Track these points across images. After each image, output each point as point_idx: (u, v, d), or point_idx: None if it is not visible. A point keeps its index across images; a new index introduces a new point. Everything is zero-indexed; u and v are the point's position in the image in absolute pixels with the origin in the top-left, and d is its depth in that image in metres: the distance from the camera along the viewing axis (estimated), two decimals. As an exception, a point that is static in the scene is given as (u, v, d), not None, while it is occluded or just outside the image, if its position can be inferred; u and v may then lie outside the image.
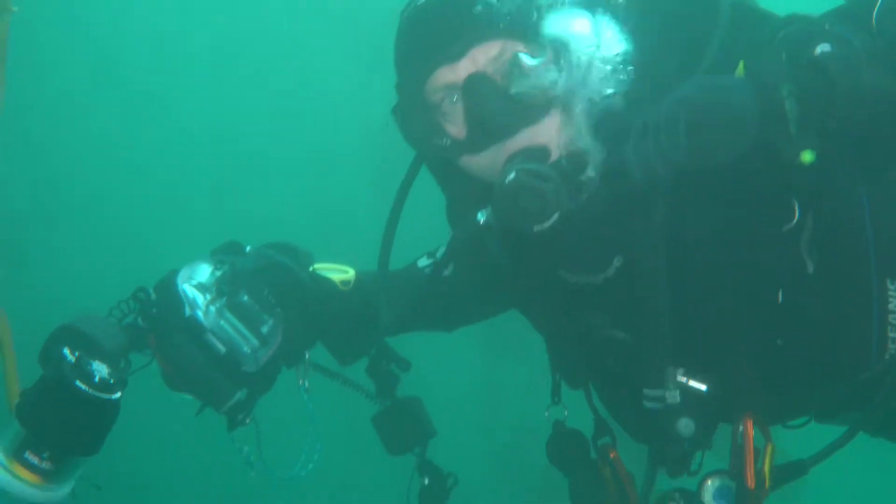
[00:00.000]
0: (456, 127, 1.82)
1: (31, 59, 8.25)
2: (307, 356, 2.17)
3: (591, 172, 1.80)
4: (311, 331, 2.20)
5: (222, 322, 1.94)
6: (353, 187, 8.82)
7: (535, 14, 1.76)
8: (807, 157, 1.61)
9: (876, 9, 1.69)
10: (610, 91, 1.77)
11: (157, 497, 8.59)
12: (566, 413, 2.31)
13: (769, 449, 1.89)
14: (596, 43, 1.76)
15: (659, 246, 1.81)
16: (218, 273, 1.97)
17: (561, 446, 2.31)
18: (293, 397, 2.14)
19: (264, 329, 2.00)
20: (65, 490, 1.87)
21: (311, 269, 2.23)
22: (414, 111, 1.84)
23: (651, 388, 1.91)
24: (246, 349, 1.97)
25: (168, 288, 1.94)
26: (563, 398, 2.30)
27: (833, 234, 1.84)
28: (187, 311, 1.91)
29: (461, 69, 1.76)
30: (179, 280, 1.94)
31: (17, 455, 1.81)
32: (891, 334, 1.85)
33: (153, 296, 1.95)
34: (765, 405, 1.90)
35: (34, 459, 1.81)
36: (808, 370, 1.90)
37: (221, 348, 1.94)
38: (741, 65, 1.69)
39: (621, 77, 1.77)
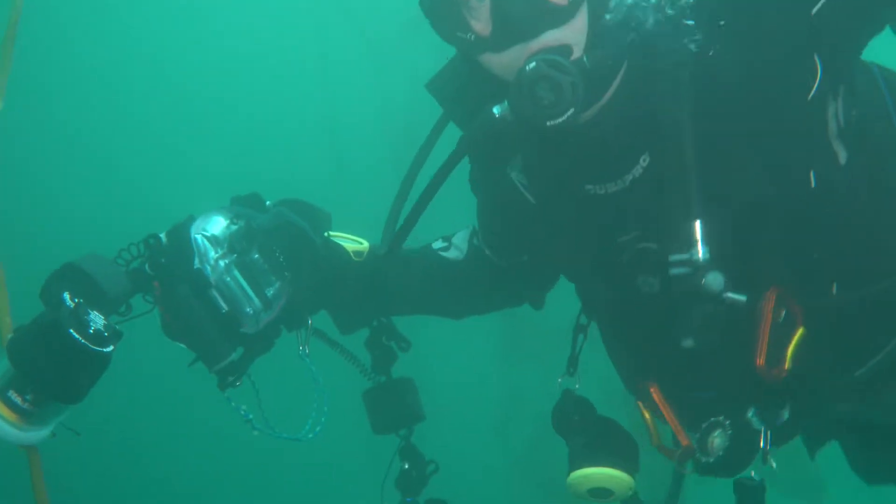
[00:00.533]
0: (481, 23, 1.78)
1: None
2: (310, 322, 2.13)
3: (614, 82, 1.81)
4: (317, 297, 2.16)
5: (228, 279, 1.91)
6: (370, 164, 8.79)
7: None
8: None
9: None
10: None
11: (144, 452, 8.59)
12: (577, 385, 2.28)
13: (799, 332, 1.87)
14: None
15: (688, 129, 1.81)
16: (233, 228, 1.94)
17: (567, 411, 2.27)
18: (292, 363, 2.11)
19: (269, 291, 1.97)
20: (42, 433, 1.86)
21: (326, 234, 2.19)
22: (441, 3, 1.81)
23: (678, 253, 1.86)
24: (248, 309, 1.94)
25: (181, 235, 1.91)
26: (579, 371, 2.27)
27: (861, 122, 1.87)
28: (196, 263, 1.88)
29: None
30: (193, 229, 1.91)
31: (1, 392, 1.80)
32: None
33: (164, 242, 1.92)
34: (793, 285, 1.87)
35: (16, 398, 1.79)
36: (841, 268, 1.92)
37: (224, 306, 1.91)
38: None
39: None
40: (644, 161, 1.89)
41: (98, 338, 1.79)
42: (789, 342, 1.86)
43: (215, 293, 1.91)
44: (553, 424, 2.30)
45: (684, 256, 1.85)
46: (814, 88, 1.81)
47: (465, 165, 2.09)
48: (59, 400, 1.83)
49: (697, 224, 1.83)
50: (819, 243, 1.89)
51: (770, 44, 1.79)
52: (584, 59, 1.73)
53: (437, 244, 2.35)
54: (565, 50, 1.73)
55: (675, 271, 1.86)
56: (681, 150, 1.82)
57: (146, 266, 1.91)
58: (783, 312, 1.86)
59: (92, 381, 1.84)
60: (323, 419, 2.12)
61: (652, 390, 2.11)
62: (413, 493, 2.36)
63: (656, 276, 1.95)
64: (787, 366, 1.85)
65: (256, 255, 1.96)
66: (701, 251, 1.82)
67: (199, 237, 1.89)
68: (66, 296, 1.80)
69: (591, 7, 1.76)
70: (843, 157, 1.88)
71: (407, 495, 2.36)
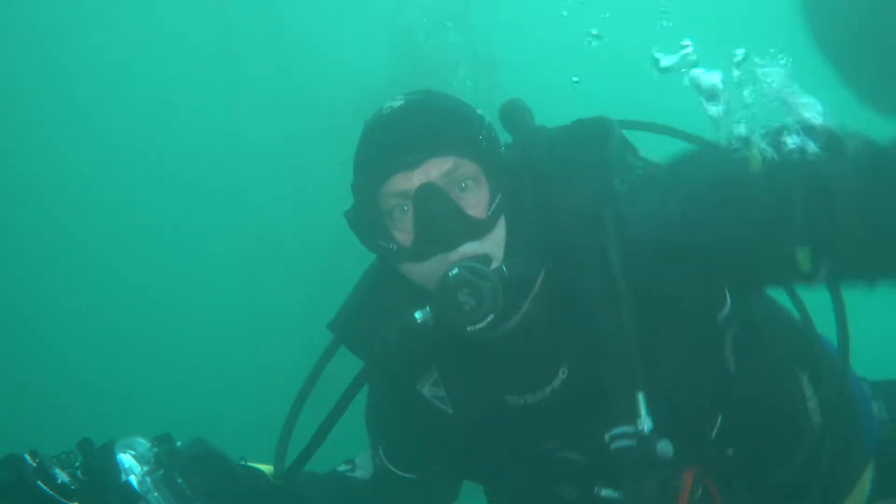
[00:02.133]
0: (403, 234, 1.90)
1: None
2: None
3: (534, 287, 1.93)
4: None
5: (156, 494, 1.84)
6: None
7: (486, 141, 1.91)
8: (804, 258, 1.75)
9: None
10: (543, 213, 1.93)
11: None
12: None
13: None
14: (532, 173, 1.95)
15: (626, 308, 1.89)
16: (156, 449, 1.90)
17: None
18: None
19: None
20: None
21: (243, 461, 2.13)
22: (367, 214, 1.93)
23: (621, 427, 1.89)
24: None
25: (106, 453, 1.84)
26: None
27: (753, 336, 2.01)
28: (123, 476, 1.82)
29: (415, 178, 1.87)
30: (118, 448, 1.85)
31: None
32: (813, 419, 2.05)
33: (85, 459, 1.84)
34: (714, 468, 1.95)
35: None
36: (747, 454, 2.01)
37: (68, 501, 1.81)
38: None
39: (554, 189, 1.95)
40: (563, 373, 1.98)
41: (65, 490, 1.72)
42: None
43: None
44: None
45: (629, 429, 1.90)
46: (724, 312, 1.95)
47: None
48: None
49: (640, 396, 1.89)
50: (728, 438, 1.99)
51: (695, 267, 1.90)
52: (503, 268, 1.85)
53: (342, 468, 2.36)
54: (485, 259, 1.86)
55: (617, 444, 1.91)
56: (619, 325, 1.90)
57: (78, 473, 1.81)
58: (699, 491, 1.93)
59: None
60: None
61: None
62: None
63: (576, 485, 2.01)
64: None
65: (180, 480, 1.89)
66: (647, 422, 1.88)
67: (122, 456, 1.84)
68: (27, 455, 1.73)
69: (509, 220, 1.90)
70: (733, 366, 2.02)
71: None
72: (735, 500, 2.00)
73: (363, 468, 2.34)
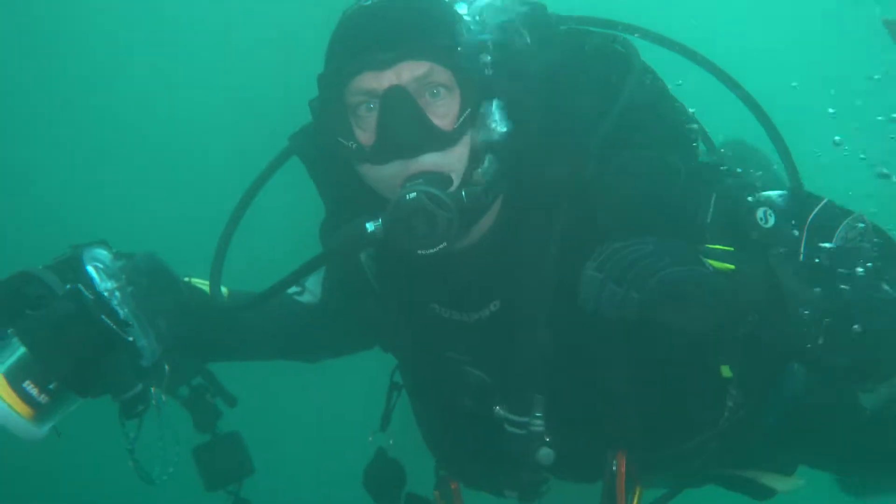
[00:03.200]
0: (366, 134, 1.84)
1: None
2: (167, 368, 2.05)
3: (488, 217, 1.90)
4: (176, 340, 2.10)
5: (127, 310, 1.86)
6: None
7: (465, 51, 1.83)
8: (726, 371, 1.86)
9: (811, 215, 1.88)
10: (522, 131, 1.87)
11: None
12: (391, 442, 2.37)
13: (638, 490, 2.03)
14: (513, 87, 1.88)
15: (546, 296, 1.91)
16: (118, 263, 1.90)
17: (379, 475, 2.37)
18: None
19: (162, 327, 1.94)
20: (45, 430, 1.75)
21: (187, 279, 2.20)
22: (330, 107, 1.86)
23: (516, 415, 2.00)
24: (143, 342, 1.89)
25: (77, 265, 1.85)
26: (391, 427, 2.35)
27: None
28: (101, 291, 1.83)
29: (385, 78, 1.79)
30: (86, 259, 1.86)
31: (14, 383, 1.68)
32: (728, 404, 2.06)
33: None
34: (632, 442, 2.03)
35: (33, 390, 1.69)
36: (664, 427, 2.06)
37: (128, 336, 1.86)
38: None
39: (533, 117, 1.89)
40: (494, 307, 2.01)
41: (125, 325, 1.76)
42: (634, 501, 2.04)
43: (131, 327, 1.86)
44: (364, 485, 2.41)
45: (522, 419, 2.00)
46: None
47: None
48: (85, 391, 1.76)
49: (539, 397, 1.98)
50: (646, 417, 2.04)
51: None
52: (462, 193, 1.81)
53: (291, 289, 2.35)
54: (444, 180, 1.81)
55: (509, 429, 2.02)
56: (534, 318, 1.93)
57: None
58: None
59: (118, 372, 1.79)
60: (171, 468, 2.07)
61: (453, 486, 2.29)
62: None
63: (476, 399, 2.09)
64: None
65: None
66: (537, 423, 1.98)
67: (90, 268, 1.84)
68: (81, 287, 1.74)
69: (474, 137, 1.85)
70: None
71: None
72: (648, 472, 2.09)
73: (311, 293, 2.35)
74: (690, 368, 1.96)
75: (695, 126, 2.12)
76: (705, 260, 1.71)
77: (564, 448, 2.01)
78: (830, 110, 3.75)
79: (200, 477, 2.35)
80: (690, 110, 2.14)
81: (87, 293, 1.76)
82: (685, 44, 2.16)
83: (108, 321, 1.76)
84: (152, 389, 1.97)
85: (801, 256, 1.84)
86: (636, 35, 2.09)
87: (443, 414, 2.20)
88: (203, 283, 2.24)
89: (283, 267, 2.30)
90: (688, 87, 2.30)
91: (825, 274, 1.78)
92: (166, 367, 2.02)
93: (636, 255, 1.68)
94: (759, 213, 1.86)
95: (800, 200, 1.92)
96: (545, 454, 1.99)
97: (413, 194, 1.75)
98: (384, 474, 2.39)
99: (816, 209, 1.89)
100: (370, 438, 2.38)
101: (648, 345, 1.87)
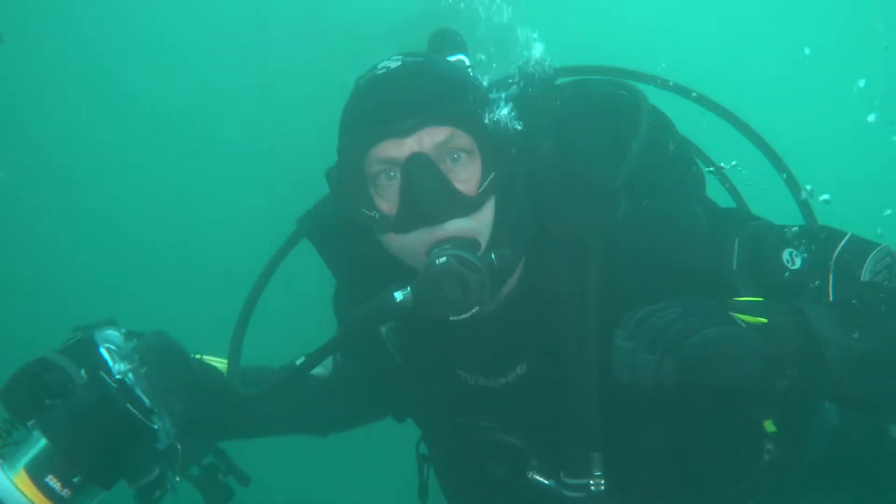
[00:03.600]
0: (388, 203, 1.82)
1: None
2: (179, 448, 1.98)
3: (513, 276, 1.86)
4: (188, 421, 2.05)
5: (138, 392, 1.80)
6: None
7: (486, 113, 1.81)
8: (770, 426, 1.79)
9: (836, 252, 1.85)
10: (543, 187, 1.85)
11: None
12: None
13: None
14: (533, 149, 1.87)
15: (590, 352, 1.86)
16: (130, 344, 1.86)
17: None
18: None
19: (175, 408, 1.90)
20: None
21: (199, 356, 2.16)
22: (350, 177, 1.83)
23: (575, 478, 1.93)
24: (160, 424, 1.84)
25: (90, 348, 1.81)
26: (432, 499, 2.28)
27: None
28: (120, 377, 1.79)
29: (406, 146, 1.77)
30: (98, 340, 1.82)
31: (37, 479, 1.64)
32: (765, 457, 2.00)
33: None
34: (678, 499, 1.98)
35: (56, 485, 1.64)
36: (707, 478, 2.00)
37: (142, 419, 1.80)
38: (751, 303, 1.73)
39: (553, 177, 1.87)
40: (521, 370, 1.96)
41: (149, 412, 1.73)
42: None
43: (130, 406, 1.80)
44: None
45: (581, 482, 1.94)
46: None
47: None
48: (109, 483, 1.71)
49: (597, 456, 1.92)
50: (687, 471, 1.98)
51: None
52: (493, 257, 1.78)
53: (300, 361, 2.24)
54: (472, 244, 1.79)
55: (570, 494, 1.95)
56: (581, 377, 1.88)
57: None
58: None
59: (144, 461, 1.75)
60: None
61: None
62: None
63: (507, 465, 2.03)
64: None
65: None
66: (598, 482, 1.91)
67: (104, 351, 1.80)
68: (103, 374, 1.71)
69: (499, 201, 1.83)
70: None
71: None
72: None
73: (323, 365, 2.30)
74: (730, 424, 1.90)
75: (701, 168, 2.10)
76: (736, 316, 1.66)
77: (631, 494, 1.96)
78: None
79: None
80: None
81: (109, 381, 1.72)
82: (685, 85, 2.17)
83: (133, 409, 1.71)
84: (168, 473, 1.91)
85: (831, 296, 1.80)
86: (633, 79, 2.08)
87: (474, 484, 2.13)
88: (215, 360, 2.20)
89: (294, 342, 2.28)
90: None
91: (859, 313, 1.74)
92: (178, 447, 1.96)
93: (666, 320, 1.63)
94: (785, 255, 1.83)
95: (819, 236, 1.90)
96: None
97: (443, 259, 1.72)
98: None
99: (842, 244, 1.86)
100: None
101: (687, 405, 1.81)
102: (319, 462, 6.40)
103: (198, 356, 2.18)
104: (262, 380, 2.18)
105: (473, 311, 1.74)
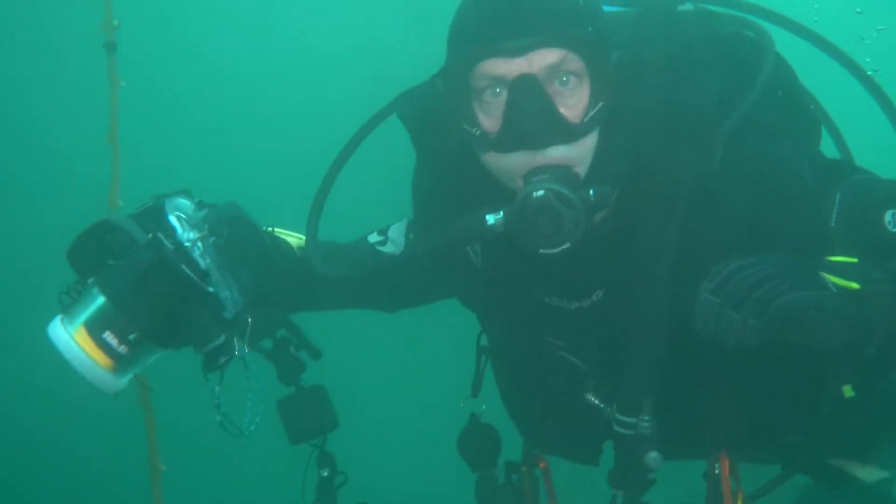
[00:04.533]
0: (491, 120, 1.77)
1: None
2: (249, 321, 2.02)
3: (605, 211, 1.82)
4: (262, 291, 2.08)
5: (208, 261, 1.83)
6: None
7: (600, 39, 1.74)
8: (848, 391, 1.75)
9: None
10: (647, 125, 1.80)
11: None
12: (484, 408, 2.32)
13: (740, 496, 1.98)
14: (642, 81, 1.79)
15: (660, 296, 1.84)
16: (200, 213, 1.88)
17: (473, 441, 2.33)
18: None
19: (244, 278, 1.91)
20: (125, 381, 1.78)
21: (270, 229, 2.17)
22: (455, 90, 1.78)
23: (624, 415, 1.95)
24: (227, 293, 1.87)
25: (159, 215, 1.83)
26: (483, 393, 2.31)
27: None
28: (182, 241, 1.81)
29: (515, 66, 1.71)
30: (168, 209, 1.83)
31: (94, 333, 1.69)
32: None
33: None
34: (737, 447, 1.98)
35: (113, 341, 1.70)
36: (774, 430, 2.00)
37: (209, 287, 1.84)
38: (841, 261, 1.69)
39: (660, 115, 1.80)
40: (597, 296, 1.94)
41: (205, 276, 1.76)
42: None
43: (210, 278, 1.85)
44: (459, 451, 2.36)
45: (630, 420, 1.94)
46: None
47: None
48: (166, 342, 1.76)
49: (648, 401, 1.92)
50: (757, 414, 1.96)
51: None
52: (591, 192, 1.73)
53: (373, 237, 2.33)
54: (572, 177, 1.74)
55: (618, 429, 1.96)
56: (646, 318, 1.86)
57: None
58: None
59: (200, 323, 1.79)
60: (258, 418, 2.06)
61: (542, 465, 2.26)
62: (331, 500, 2.34)
63: (567, 383, 2.04)
64: None
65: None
66: (646, 425, 1.92)
67: (173, 218, 1.82)
68: (161, 235, 1.74)
69: (603, 132, 1.76)
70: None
71: (325, 502, 2.33)
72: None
73: (394, 243, 2.30)
74: (808, 386, 1.88)
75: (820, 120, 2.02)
76: (828, 278, 1.60)
77: (671, 449, 1.95)
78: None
79: (285, 430, 2.33)
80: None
81: (167, 242, 1.74)
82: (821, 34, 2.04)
83: (189, 271, 1.74)
84: (235, 341, 1.95)
85: None
86: (768, 20, 1.97)
87: (532, 393, 2.15)
88: (287, 234, 2.21)
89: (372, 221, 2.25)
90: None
91: None
92: (249, 319, 2.00)
93: (755, 279, 1.58)
94: (888, 216, 1.76)
95: None
96: (654, 458, 1.93)
97: (541, 192, 1.68)
98: (480, 441, 2.35)
99: None
100: (462, 405, 2.34)
101: (767, 363, 1.79)
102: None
103: (269, 229, 2.18)
104: (336, 256, 2.19)
105: (564, 246, 1.71)
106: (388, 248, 2.31)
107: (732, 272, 1.60)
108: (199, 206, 1.90)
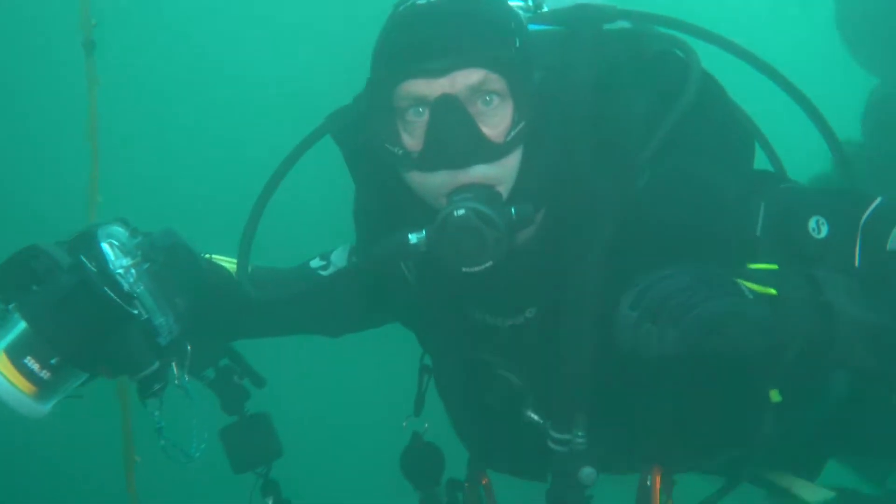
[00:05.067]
0: (413, 140, 1.77)
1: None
2: (189, 349, 2.02)
3: (531, 227, 1.83)
4: (197, 320, 2.06)
5: (141, 288, 1.82)
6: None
7: (524, 59, 1.76)
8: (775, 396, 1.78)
9: (865, 217, 1.80)
10: (572, 142, 1.81)
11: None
12: (426, 426, 2.32)
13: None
14: (567, 100, 1.81)
15: (588, 311, 1.85)
16: (135, 240, 1.87)
17: (416, 460, 2.33)
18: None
19: (179, 304, 1.90)
20: (49, 406, 1.75)
21: (208, 256, 2.17)
22: (378, 110, 1.79)
23: (557, 432, 1.96)
24: (161, 320, 1.86)
25: (90, 243, 1.81)
26: (425, 411, 2.31)
27: None
28: (112, 268, 1.80)
29: (437, 86, 1.71)
30: (101, 236, 1.82)
31: (15, 359, 1.68)
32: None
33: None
34: (670, 461, 1.98)
35: (34, 366, 1.68)
36: (705, 442, 2.01)
37: (144, 314, 1.83)
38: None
39: (583, 128, 1.82)
40: (529, 313, 1.95)
41: (129, 298, 1.74)
42: None
43: (136, 301, 1.83)
44: (402, 471, 2.36)
45: (564, 437, 1.96)
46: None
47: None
48: (87, 367, 1.74)
49: (581, 416, 1.93)
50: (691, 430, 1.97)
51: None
52: (513, 212, 1.74)
53: (315, 262, 2.32)
54: (494, 196, 1.75)
55: (553, 446, 1.98)
56: (576, 333, 1.88)
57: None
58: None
59: (131, 349, 1.77)
60: (203, 445, 2.03)
61: (484, 482, 2.25)
62: None
63: (506, 402, 2.05)
64: None
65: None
66: (580, 441, 1.93)
67: (106, 246, 1.81)
68: (84, 258, 1.72)
69: (527, 151, 1.78)
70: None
71: None
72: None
73: (336, 266, 2.29)
74: (732, 394, 1.90)
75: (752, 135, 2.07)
76: (746, 286, 1.62)
77: (605, 464, 1.97)
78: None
79: (228, 459, 2.32)
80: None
81: (89, 265, 1.73)
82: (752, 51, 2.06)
83: (112, 294, 1.72)
84: (174, 368, 1.94)
85: (857, 263, 1.76)
86: (698, 37, 1.99)
87: (474, 411, 2.16)
88: (225, 260, 2.20)
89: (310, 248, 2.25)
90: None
91: (883, 284, 1.70)
92: (189, 346, 1.99)
93: (671, 290, 1.60)
94: (811, 223, 1.78)
95: (848, 199, 1.85)
96: (587, 473, 1.93)
97: (462, 211, 1.69)
98: (423, 459, 2.35)
99: (870, 209, 1.80)
100: (404, 424, 2.33)
101: (689, 372, 1.77)
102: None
103: (207, 256, 2.17)
104: (273, 281, 2.19)
105: (487, 265, 1.73)
106: (330, 273, 2.30)
107: (648, 285, 1.62)
108: (134, 233, 1.89)
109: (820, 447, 2.21)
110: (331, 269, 2.29)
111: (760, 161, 2.18)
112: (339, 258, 2.30)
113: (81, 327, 1.71)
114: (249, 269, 2.14)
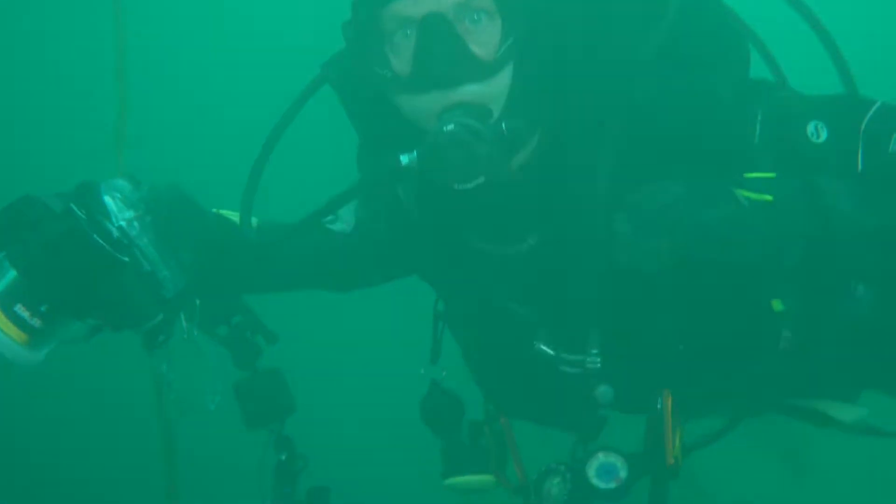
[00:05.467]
0: (401, 62, 1.75)
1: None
2: (197, 303, 2.02)
3: (527, 148, 1.81)
4: (203, 273, 2.05)
5: (145, 240, 1.82)
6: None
7: None
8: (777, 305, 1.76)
9: (865, 120, 1.76)
10: (565, 53, 1.78)
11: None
12: (444, 373, 2.31)
13: (678, 431, 1.93)
14: (560, 14, 1.78)
15: (595, 231, 1.81)
16: (139, 193, 1.86)
17: (436, 408, 2.32)
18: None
19: (184, 256, 1.89)
20: (42, 355, 1.74)
21: (215, 210, 2.14)
22: (365, 35, 1.78)
23: (569, 353, 1.94)
24: (165, 272, 1.86)
25: (93, 195, 1.79)
26: (442, 359, 2.29)
27: None
28: (114, 220, 1.79)
29: (423, 5, 1.70)
30: (102, 190, 1.81)
31: (5, 307, 1.67)
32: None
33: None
34: (680, 384, 1.94)
35: (24, 314, 1.68)
36: (716, 362, 1.96)
37: (147, 266, 1.82)
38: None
39: (576, 38, 1.79)
40: (532, 241, 1.92)
41: (119, 245, 1.72)
42: (676, 441, 1.92)
43: (137, 252, 1.82)
44: (422, 419, 2.34)
45: (576, 358, 1.93)
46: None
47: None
48: (78, 313, 1.73)
49: (594, 332, 1.90)
50: (700, 349, 1.94)
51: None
52: (503, 125, 1.72)
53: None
54: (484, 112, 1.72)
55: (565, 369, 1.95)
56: (583, 253, 1.83)
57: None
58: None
59: (111, 293, 1.74)
60: (217, 397, 2.06)
61: (502, 421, 2.22)
62: (290, 484, 2.31)
63: (514, 334, 2.02)
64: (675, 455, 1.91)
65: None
66: (594, 360, 1.90)
67: (108, 198, 1.79)
68: (74, 206, 1.70)
69: (518, 67, 1.75)
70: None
71: (284, 486, 2.30)
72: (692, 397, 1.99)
73: (345, 221, 2.27)
74: (735, 303, 1.87)
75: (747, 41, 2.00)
76: (741, 193, 1.61)
77: (622, 384, 1.93)
78: None
79: (241, 415, 2.31)
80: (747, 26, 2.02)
81: (79, 212, 1.71)
82: None
83: (101, 240, 1.70)
84: (184, 322, 1.95)
85: (860, 166, 1.73)
86: None
87: (487, 350, 2.14)
88: (232, 214, 2.16)
89: (316, 198, 2.21)
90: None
91: (885, 186, 1.67)
92: (197, 301, 1.99)
93: (665, 202, 1.60)
94: (810, 127, 1.76)
95: (849, 105, 1.81)
96: (604, 392, 1.92)
97: (450, 126, 1.67)
98: (442, 407, 2.34)
99: (871, 112, 1.77)
100: (421, 371, 2.32)
101: (690, 283, 1.77)
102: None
103: (214, 210, 2.15)
104: (278, 231, 2.16)
105: (479, 180, 1.71)
106: (339, 227, 2.28)
107: (644, 198, 1.62)
108: (138, 186, 1.87)
109: (851, 372, 2.13)
110: (338, 223, 2.27)
111: (758, 69, 2.13)
112: (347, 212, 2.27)
113: (70, 273, 1.69)
114: (255, 222, 2.13)
